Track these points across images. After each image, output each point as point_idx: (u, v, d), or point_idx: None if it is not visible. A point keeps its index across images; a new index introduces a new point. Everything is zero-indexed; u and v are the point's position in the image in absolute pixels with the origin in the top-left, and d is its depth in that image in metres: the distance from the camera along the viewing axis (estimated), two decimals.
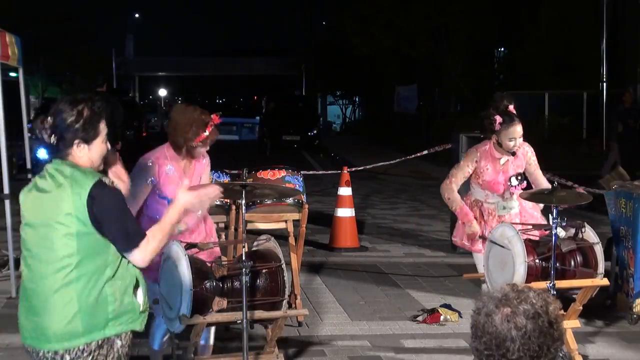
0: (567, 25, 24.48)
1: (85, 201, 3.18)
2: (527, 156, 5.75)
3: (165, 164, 4.89)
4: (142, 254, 3.28)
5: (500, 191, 5.67)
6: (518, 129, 5.56)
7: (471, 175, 5.78)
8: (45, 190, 3.28)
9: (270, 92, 37.96)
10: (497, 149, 5.66)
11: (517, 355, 2.19)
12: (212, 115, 4.85)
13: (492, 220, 5.73)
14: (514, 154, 5.62)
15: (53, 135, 3.27)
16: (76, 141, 3.28)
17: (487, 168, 5.66)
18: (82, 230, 3.20)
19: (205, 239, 5.01)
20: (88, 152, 3.32)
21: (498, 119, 5.54)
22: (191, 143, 4.79)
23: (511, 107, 5.58)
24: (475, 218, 5.74)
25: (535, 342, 2.18)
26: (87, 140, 3.30)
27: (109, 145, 3.44)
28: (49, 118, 3.28)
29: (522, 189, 5.70)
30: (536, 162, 5.81)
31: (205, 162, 5.10)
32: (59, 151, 3.31)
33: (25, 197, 3.39)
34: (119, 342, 3.30)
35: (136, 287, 3.35)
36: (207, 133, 4.81)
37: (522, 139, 5.61)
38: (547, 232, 5.36)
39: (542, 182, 5.78)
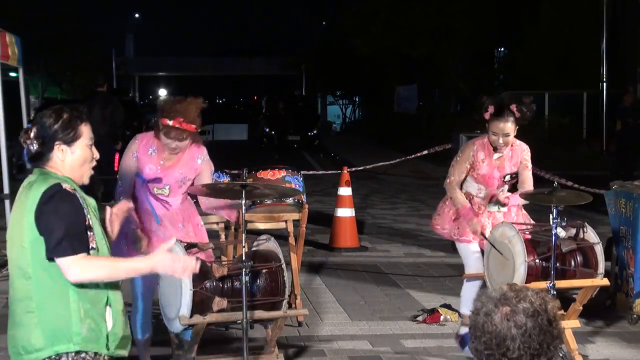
0: (567, 25, 24.49)
1: (36, 206, 3.10)
2: (523, 153, 5.70)
3: (150, 144, 4.99)
4: (73, 267, 3.04)
5: (494, 186, 5.64)
6: (508, 125, 5.42)
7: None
8: (18, 198, 3.24)
9: (279, 93, 37.95)
10: (492, 142, 5.59)
11: (518, 354, 2.19)
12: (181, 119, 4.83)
13: (481, 215, 5.69)
14: (495, 149, 5.53)
15: (36, 141, 3.20)
16: (57, 143, 3.19)
17: (484, 162, 5.61)
18: (34, 237, 3.09)
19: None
20: (71, 155, 3.21)
21: (490, 108, 5.46)
22: (160, 123, 4.82)
23: (513, 106, 5.50)
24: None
25: (535, 340, 2.18)
26: (67, 142, 3.20)
27: (96, 153, 3.30)
28: (33, 128, 3.22)
29: (512, 185, 5.71)
30: (528, 162, 5.73)
31: (200, 162, 5.07)
32: (40, 159, 3.22)
33: (12, 209, 3.33)
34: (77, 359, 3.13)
35: (105, 307, 3.19)
36: (170, 123, 4.80)
37: (509, 138, 5.48)
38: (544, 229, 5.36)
39: (528, 183, 5.68)
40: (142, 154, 5.00)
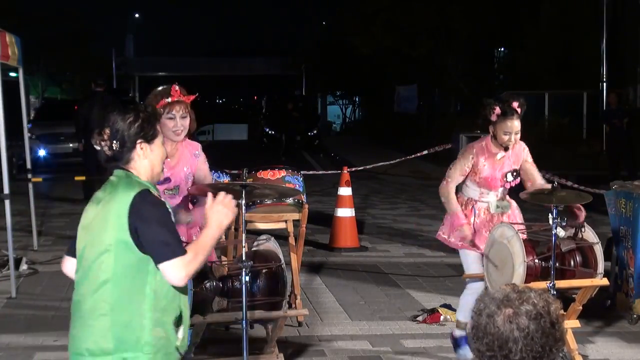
0: (567, 25, 24.48)
1: (127, 211, 3.08)
2: (523, 153, 5.68)
3: None
4: (178, 271, 3.05)
5: (497, 187, 5.62)
6: (515, 123, 5.45)
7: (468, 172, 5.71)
8: (98, 200, 3.21)
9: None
10: (494, 143, 5.56)
11: (520, 356, 2.18)
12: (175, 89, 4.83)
13: (484, 218, 5.67)
14: (507, 149, 5.52)
15: (114, 142, 3.19)
16: (139, 141, 3.20)
17: (485, 165, 5.58)
18: (121, 240, 3.08)
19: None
20: (150, 153, 3.23)
21: (497, 109, 5.46)
22: (158, 109, 4.77)
23: (515, 104, 5.51)
24: (466, 216, 5.66)
25: (538, 342, 2.18)
26: (148, 139, 3.22)
27: (166, 151, 3.36)
28: (106, 129, 3.20)
29: (516, 185, 5.67)
30: (530, 158, 5.74)
31: (198, 160, 5.03)
32: (121, 159, 3.22)
33: (87, 208, 3.29)
34: None
35: (179, 321, 3.19)
36: (168, 100, 4.77)
37: (518, 136, 5.50)
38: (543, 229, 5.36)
39: (538, 178, 5.69)
40: None
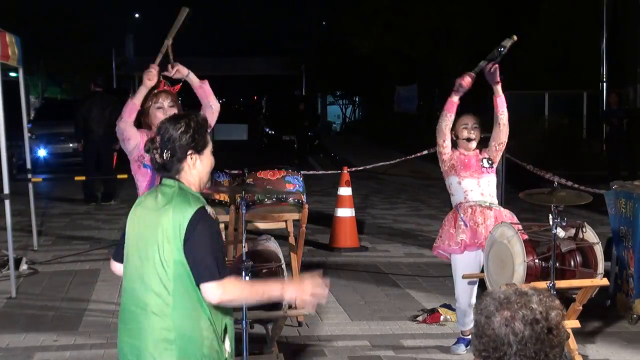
0: (567, 25, 24.49)
1: (185, 227, 3.07)
2: (485, 150, 5.91)
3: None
4: (218, 290, 3.05)
5: (472, 168, 5.78)
6: (470, 116, 5.89)
7: (447, 179, 5.88)
8: (151, 208, 3.19)
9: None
10: (461, 145, 5.87)
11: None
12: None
13: (472, 213, 5.71)
14: (469, 140, 5.82)
15: (165, 152, 3.18)
16: (189, 152, 3.19)
17: (459, 155, 5.86)
18: (177, 257, 3.08)
19: None
20: (200, 164, 3.23)
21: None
22: (143, 106, 4.82)
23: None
24: (455, 219, 5.78)
25: (531, 348, 2.18)
26: (199, 150, 3.21)
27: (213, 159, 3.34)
28: (158, 137, 3.21)
29: (491, 173, 5.84)
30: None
31: None
32: (171, 169, 3.20)
33: (132, 213, 3.28)
34: None
35: (224, 332, 3.22)
36: (155, 91, 4.84)
37: (477, 131, 5.85)
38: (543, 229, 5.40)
39: (496, 129, 5.87)
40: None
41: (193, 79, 5.00)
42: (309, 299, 3.17)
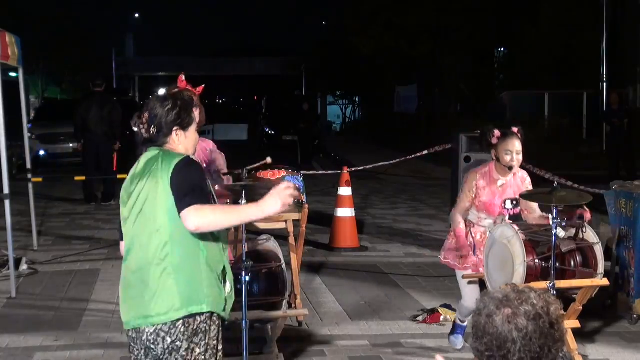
0: (567, 25, 24.50)
1: (172, 170, 3.29)
2: (525, 183, 5.72)
3: None
4: (194, 215, 3.20)
5: (495, 214, 5.66)
6: (516, 143, 5.54)
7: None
8: (139, 170, 3.40)
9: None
10: (497, 169, 5.64)
11: (519, 357, 2.18)
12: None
13: (479, 241, 5.71)
14: (511, 169, 5.57)
15: (152, 127, 3.40)
16: (175, 128, 3.40)
17: (485, 189, 5.64)
18: (170, 203, 3.28)
19: None
20: (185, 140, 3.44)
21: (497, 132, 5.58)
22: None
23: (514, 129, 5.62)
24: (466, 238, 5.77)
25: (536, 343, 2.18)
26: (184, 127, 3.42)
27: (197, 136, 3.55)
28: (145, 114, 3.41)
29: (515, 214, 5.70)
30: (531, 188, 5.77)
31: (210, 154, 5.09)
32: (157, 141, 3.43)
33: (124, 185, 3.48)
34: (204, 320, 3.35)
35: (224, 274, 3.41)
36: (175, 90, 4.83)
37: (520, 157, 5.57)
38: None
39: (537, 210, 5.71)
40: None
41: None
42: (287, 198, 3.31)
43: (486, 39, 28.37)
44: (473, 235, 5.72)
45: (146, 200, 3.33)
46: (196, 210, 3.20)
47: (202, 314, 3.32)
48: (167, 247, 3.28)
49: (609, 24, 22.37)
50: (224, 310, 3.42)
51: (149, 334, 3.31)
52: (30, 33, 23.39)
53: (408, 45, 27.87)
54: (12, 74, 13.28)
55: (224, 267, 3.42)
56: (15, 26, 14.44)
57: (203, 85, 5.02)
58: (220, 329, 3.48)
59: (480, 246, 5.67)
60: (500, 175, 5.63)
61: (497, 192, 5.64)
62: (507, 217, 5.67)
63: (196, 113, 3.49)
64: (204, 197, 3.28)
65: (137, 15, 64.68)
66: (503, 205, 5.64)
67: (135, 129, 3.44)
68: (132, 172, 3.46)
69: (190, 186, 3.25)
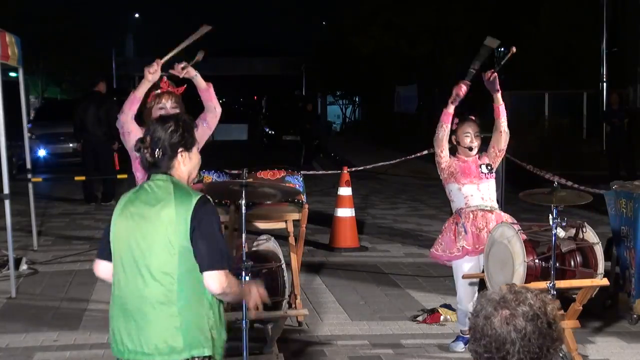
0: (567, 25, 24.48)
1: (190, 215, 3.21)
2: (485, 154, 5.96)
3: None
4: (222, 280, 3.23)
5: (472, 174, 5.82)
6: (473, 125, 5.92)
7: (447, 186, 5.94)
8: (148, 202, 3.29)
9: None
10: (461, 152, 5.94)
11: (517, 357, 2.18)
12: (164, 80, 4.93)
13: (474, 219, 5.73)
14: (471, 149, 5.87)
15: (157, 150, 3.31)
16: (179, 150, 3.34)
17: (458, 162, 5.90)
18: (183, 245, 3.21)
19: None
20: (189, 161, 3.38)
21: (455, 119, 5.97)
22: (146, 104, 4.83)
23: (470, 116, 6.00)
24: (457, 223, 5.79)
25: (535, 343, 2.18)
26: (188, 147, 3.37)
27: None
28: (147, 137, 3.34)
29: (490, 178, 5.88)
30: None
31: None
32: (161, 166, 3.34)
33: (123, 210, 3.36)
34: None
35: (220, 315, 3.39)
36: (158, 91, 4.87)
37: (479, 140, 5.89)
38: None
39: (497, 133, 5.91)
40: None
41: (200, 81, 5.01)
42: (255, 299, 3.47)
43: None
44: (464, 216, 5.77)
45: (149, 236, 3.24)
46: (227, 276, 3.24)
47: (206, 357, 3.30)
48: (173, 289, 3.22)
49: (609, 24, 22.36)
50: (221, 354, 3.42)
51: None
52: (30, 33, 23.37)
53: (408, 45, 27.85)
54: (12, 74, 13.27)
55: (219, 311, 3.39)
56: (15, 26, 14.43)
57: (185, 85, 5.06)
58: None
59: (472, 223, 5.71)
60: (465, 155, 5.93)
61: (468, 162, 5.90)
62: (487, 182, 5.83)
63: (196, 133, 3.47)
64: (230, 258, 3.32)
65: (137, 15, 64.67)
66: (479, 169, 5.86)
67: (138, 154, 3.38)
68: (139, 197, 3.34)
69: (219, 242, 3.25)
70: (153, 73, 4.76)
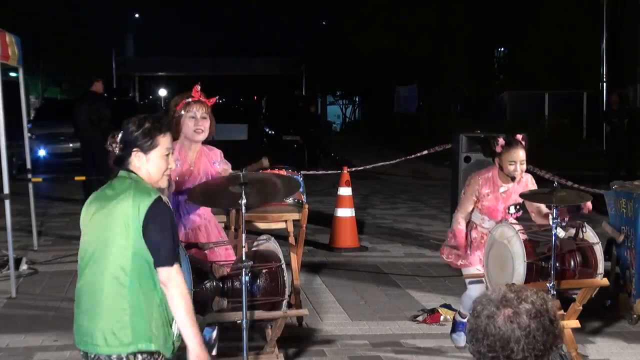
0: (567, 25, 24.50)
1: (145, 212, 3.30)
2: (527, 187, 5.69)
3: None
4: (173, 275, 3.33)
5: (498, 218, 5.66)
6: (520, 153, 5.52)
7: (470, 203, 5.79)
8: (108, 197, 3.42)
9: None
10: (500, 176, 5.63)
11: (522, 355, 2.19)
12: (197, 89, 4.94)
13: (480, 241, 5.72)
14: (513, 179, 5.56)
15: (119, 146, 3.45)
16: (134, 149, 3.42)
17: (488, 195, 5.64)
18: (136, 240, 3.31)
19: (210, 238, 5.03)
20: (146, 163, 3.44)
21: (501, 141, 5.56)
22: (174, 112, 4.83)
23: (519, 136, 5.60)
24: (467, 239, 5.76)
25: (539, 340, 2.19)
26: (144, 150, 3.43)
27: (171, 164, 3.53)
28: (120, 132, 3.47)
29: (517, 218, 5.70)
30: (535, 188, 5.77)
31: (216, 168, 5.06)
32: (123, 162, 3.46)
33: (88, 206, 3.53)
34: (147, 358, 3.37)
35: (173, 318, 3.43)
36: (189, 100, 4.87)
37: (524, 166, 5.56)
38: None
39: (543, 208, 5.69)
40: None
41: None
42: None
43: (486, 39, 28.36)
44: (473, 236, 5.72)
45: (107, 230, 3.36)
46: (177, 274, 3.33)
47: (148, 353, 3.35)
48: (125, 285, 3.32)
49: (609, 24, 22.37)
50: (172, 351, 3.45)
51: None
52: (30, 33, 23.35)
53: (408, 45, 27.87)
54: (12, 74, 13.27)
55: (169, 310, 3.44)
56: (15, 26, 14.42)
57: (217, 97, 5.05)
58: None
59: (480, 247, 5.68)
60: (503, 182, 5.62)
61: (501, 198, 5.64)
62: (510, 219, 5.67)
63: (163, 139, 3.45)
64: (178, 253, 3.39)
65: (137, 15, 64.68)
66: (507, 210, 5.65)
67: (109, 149, 3.47)
68: (102, 194, 3.47)
69: (170, 238, 3.32)
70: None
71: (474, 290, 5.77)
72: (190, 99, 4.89)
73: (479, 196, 5.65)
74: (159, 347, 3.37)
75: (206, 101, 4.95)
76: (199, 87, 4.98)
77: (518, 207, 5.67)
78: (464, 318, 5.87)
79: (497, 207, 5.64)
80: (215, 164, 5.05)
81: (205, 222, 5.08)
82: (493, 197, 5.64)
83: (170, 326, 3.42)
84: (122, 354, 3.33)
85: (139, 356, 3.35)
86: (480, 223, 5.73)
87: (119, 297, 3.32)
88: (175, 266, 3.34)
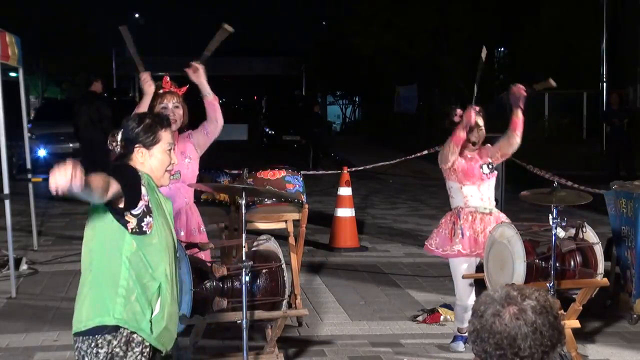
0: (567, 25, 24.49)
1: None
2: (488, 151, 5.87)
3: None
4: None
5: (475, 178, 5.75)
6: (478, 120, 5.74)
7: (448, 182, 5.87)
8: None
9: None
10: (464, 147, 5.80)
11: (529, 352, 2.19)
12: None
13: (472, 221, 5.71)
14: (474, 144, 5.76)
15: (121, 143, 3.47)
16: (137, 146, 3.44)
17: (460, 161, 5.78)
18: (101, 217, 3.33)
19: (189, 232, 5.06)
20: (149, 159, 3.46)
21: (459, 111, 5.81)
22: (153, 104, 4.91)
23: (475, 107, 5.81)
24: (454, 223, 5.78)
25: (546, 335, 2.19)
26: (147, 145, 3.45)
27: (174, 159, 3.54)
28: (119, 131, 3.50)
29: (491, 178, 5.82)
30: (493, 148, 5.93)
31: (193, 139, 5.15)
32: (124, 158, 3.49)
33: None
34: (114, 337, 3.29)
35: (158, 296, 3.35)
36: (160, 91, 5.00)
37: (483, 132, 5.77)
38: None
39: (494, 146, 5.87)
40: None
41: (205, 88, 5.04)
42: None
43: (486, 39, 28.33)
44: (463, 217, 5.73)
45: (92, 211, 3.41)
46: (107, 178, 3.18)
47: (113, 326, 3.25)
48: (91, 257, 3.37)
49: (609, 24, 22.37)
50: (151, 330, 3.31)
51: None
52: (30, 33, 23.37)
53: (408, 45, 27.86)
54: (12, 74, 13.27)
55: (159, 289, 3.34)
56: (15, 26, 14.42)
57: (187, 86, 5.10)
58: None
59: (470, 225, 5.69)
60: (467, 150, 5.82)
61: (471, 160, 5.80)
62: (488, 182, 5.77)
63: (164, 134, 3.47)
64: (118, 178, 3.24)
65: (137, 15, 64.64)
66: (480, 169, 5.77)
67: (110, 147, 3.50)
68: None
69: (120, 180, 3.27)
70: (150, 85, 4.85)
71: (463, 294, 5.82)
72: (161, 91, 4.96)
73: (453, 165, 5.77)
74: (123, 324, 3.26)
75: (177, 90, 5.04)
76: (168, 78, 5.06)
77: (490, 166, 5.82)
78: (464, 333, 5.85)
79: (472, 166, 5.78)
80: (189, 138, 5.11)
81: (187, 207, 5.11)
82: (464, 161, 5.78)
83: (150, 304, 3.32)
84: (80, 329, 3.31)
85: (99, 335, 3.27)
86: (465, 203, 5.75)
87: (87, 271, 3.39)
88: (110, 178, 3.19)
